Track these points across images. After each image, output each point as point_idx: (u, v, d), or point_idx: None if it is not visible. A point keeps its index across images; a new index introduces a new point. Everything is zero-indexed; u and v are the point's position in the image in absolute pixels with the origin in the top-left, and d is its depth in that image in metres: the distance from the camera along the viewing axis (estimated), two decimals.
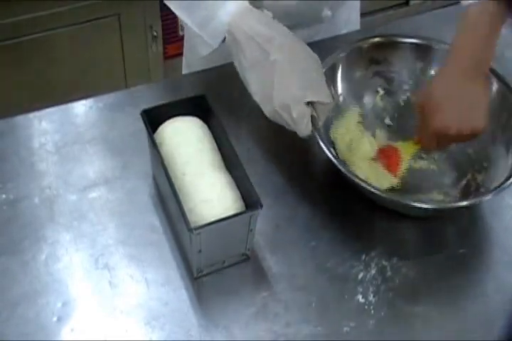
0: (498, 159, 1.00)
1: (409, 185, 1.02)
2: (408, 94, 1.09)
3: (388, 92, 1.10)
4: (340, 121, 1.05)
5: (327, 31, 1.23)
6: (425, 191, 1.03)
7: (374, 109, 1.10)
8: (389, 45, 1.08)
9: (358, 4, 1.31)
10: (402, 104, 1.10)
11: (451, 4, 1.34)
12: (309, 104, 0.90)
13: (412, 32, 1.14)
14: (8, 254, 0.93)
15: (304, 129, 0.90)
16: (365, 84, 1.09)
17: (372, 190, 0.91)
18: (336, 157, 0.94)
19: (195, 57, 1.30)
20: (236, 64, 0.95)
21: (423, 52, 1.09)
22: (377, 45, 1.08)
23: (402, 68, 1.09)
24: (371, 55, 1.08)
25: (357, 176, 0.93)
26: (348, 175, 0.92)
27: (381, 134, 1.08)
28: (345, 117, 1.06)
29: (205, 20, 0.95)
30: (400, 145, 1.03)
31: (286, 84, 0.89)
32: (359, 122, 1.07)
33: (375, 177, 0.99)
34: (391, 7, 2.40)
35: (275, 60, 0.89)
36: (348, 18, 1.29)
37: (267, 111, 0.92)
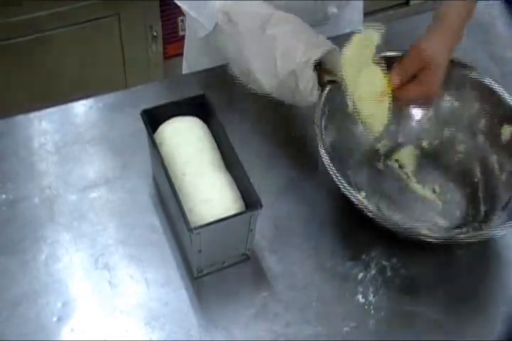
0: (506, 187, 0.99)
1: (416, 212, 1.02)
2: None
3: None
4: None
5: (331, 32, 1.23)
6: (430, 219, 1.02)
7: None
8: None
9: (361, 4, 1.32)
10: None
11: None
12: (315, 69, 0.90)
13: (411, 32, 1.13)
14: (8, 254, 0.93)
15: (310, 95, 0.91)
16: None
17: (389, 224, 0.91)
18: (341, 181, 0.91)
19: (195, 57, 1.30)
20: (228, 45, 0.95)
21: None
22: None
23: None
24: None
25: (370, 210, 0.90)
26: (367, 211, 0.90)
27: None
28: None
29: (201, 4, 0.97)
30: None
31: (290, 52, 0.89)
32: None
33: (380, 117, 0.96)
34: (391, 7, 2.40)
35: (275, 33, 0.90)
36: (351, 18, 1.29)
37: (270, 85, 0.91)
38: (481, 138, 1.03)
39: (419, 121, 1.07)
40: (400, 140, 1.08)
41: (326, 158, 0.92)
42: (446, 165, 1.06)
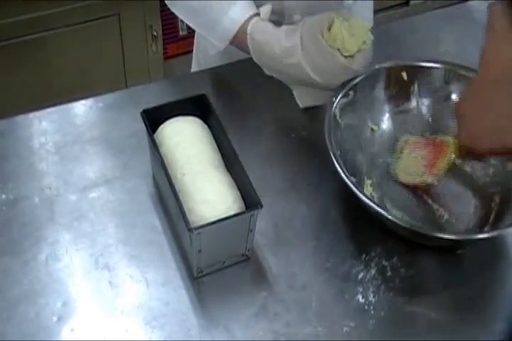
0: None
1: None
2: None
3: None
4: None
5: None
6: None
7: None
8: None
9: (371, 3, 1.32)
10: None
11: (451, 4, 1.34)
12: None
13: (412, 32, 1.14)
14: (8, 254, 0.93)
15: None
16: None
17: (391, 217, 0.90)
18: (355, 185, 0.91)
19: (206, 55, 1.31)
20: (264, 61, 1.00)
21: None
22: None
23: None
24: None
25: (373, 201, 0.90)
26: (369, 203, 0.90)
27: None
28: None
29: (211, 25, 1.01)
30: (446, 139, 0.98)
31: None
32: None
33: (412, 171, 0.98)
34: (391, 7, 2.40)
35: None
36: (363, 16, 1.29)
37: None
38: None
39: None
40: None
41: (336, 159, 0.93)
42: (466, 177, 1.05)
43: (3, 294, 0.90)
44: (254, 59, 1.01)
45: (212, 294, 0.92)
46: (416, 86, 1.04)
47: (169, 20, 1.98)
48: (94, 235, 0.96)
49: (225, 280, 0.93)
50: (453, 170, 1.02)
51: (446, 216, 1.00)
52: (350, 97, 1.00)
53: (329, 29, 0.94)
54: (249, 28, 0.99)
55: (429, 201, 1.02)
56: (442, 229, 0.98)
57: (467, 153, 0.94)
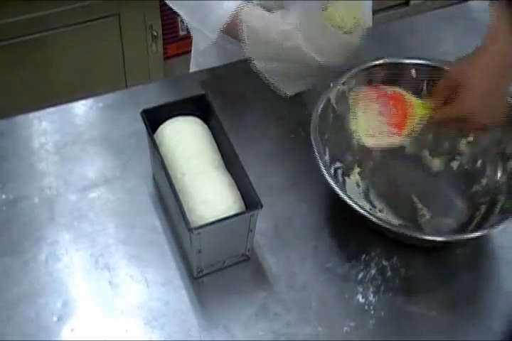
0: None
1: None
2: None
3: None
4: None
5: None
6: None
7: None
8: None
9: (370, 3, 1.32)
10: None
11: (451, 4, 1.34)
12: None
13: (412, 32, 1.13)
14: (8, 254, 0.93)
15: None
16: None
17: (385, 225, 0.90)
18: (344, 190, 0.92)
19: (206, 56, 1.31)
20: (259, 49, 0.98)
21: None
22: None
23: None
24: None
25: (364, 209, 0.90)
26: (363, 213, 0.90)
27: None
28: None
29: (205, 16, 1.00)
30: (411, 99, 0.97)
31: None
32: None
33: (375, 132, 0.96)
34: (391, 7, 2.40)
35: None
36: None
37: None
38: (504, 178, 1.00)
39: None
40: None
41: (324, 170, 0.93)
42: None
43: (3, 294, 0.90)
44: (247, 49, 0.99)
45: (212, 294, 0.92)
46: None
47: (169, 20, 1.98)
48: (94, 235, 0.96)
49: (225, 280, 0.93)
50: (448, 176, 1.03)
51: (427, 216, 1.00)
52: (346, 86, 1.00)
53: (325, 8, 0.96)
54: (242, 15, 0.98)
55: (415, 199, 1.02)
56: (420, 228, 0.99)
57: (454, 121, 0.93)
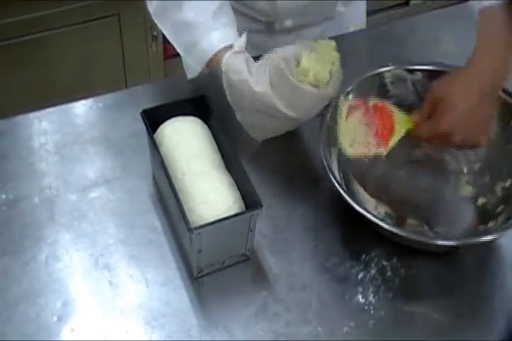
0: None
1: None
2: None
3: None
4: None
5: (334, 30, 1.24)
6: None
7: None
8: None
9: (364, 4, 1.32)
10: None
11: (451, 4, 1.34)
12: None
13: (412, 32, 1.13)
14: (8, 254, 0.94)
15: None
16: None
17: (392, 229, 0.89)
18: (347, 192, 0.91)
19: None
20: (236, 101, 0.96)
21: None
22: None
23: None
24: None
25: (369, 212, 0.90)
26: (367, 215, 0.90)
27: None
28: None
29: (190, 45, 1.00)
30: (396, 113, 0.96)
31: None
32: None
33: (359, 143, 0.95)
34: (391, 7, 2.40)
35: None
36: (356, 17, 1.30)
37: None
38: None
39: None
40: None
41: (332, 173, 0.93)
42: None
43: (3, 294, 0.90)
44: (227, 96, 0.97)
45: (212, 294, 0.92)
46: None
47: None
48: (94, 235, 0.96)
49: (225, 280, 0.93)
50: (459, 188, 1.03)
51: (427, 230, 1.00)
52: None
53: (298, 63, 0.91)
54: (223, 62, 0.95)
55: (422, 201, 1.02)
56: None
57: (434, 137, 0.92)
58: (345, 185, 0.96)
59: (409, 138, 0.96)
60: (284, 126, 0.97)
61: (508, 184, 0.98)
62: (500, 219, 0.95)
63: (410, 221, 1.00)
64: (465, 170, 1.04)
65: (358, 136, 0.95)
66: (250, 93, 0.92)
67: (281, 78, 0.90)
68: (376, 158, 0.97)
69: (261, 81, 0.91)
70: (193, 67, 1.02)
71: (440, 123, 0.91)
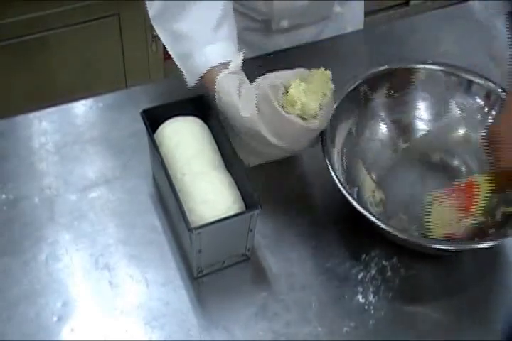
0: None
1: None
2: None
3: None
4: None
5: (332, 30, 1.24)
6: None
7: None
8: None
9: (362, 4, 1.32)
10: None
11: (451, 4, 1.34)
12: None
13: (412, 32, 1.13)
14: (8, 254, 0.94)
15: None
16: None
17: (397, 233, 0.89)
18: (354, 198, 0.91)
19: None
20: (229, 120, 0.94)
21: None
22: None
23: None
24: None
25: (373, 215, 0.89)
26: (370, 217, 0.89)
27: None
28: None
29: (184, 57, 0.97)
30: (477, 178, 0.95)
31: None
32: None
33: (447, 223, 0.94)
34: (391, 7, 2.40)
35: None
36: (353, 17, 1.29)
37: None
38: None
39: None
40: None
41: (334, 173, 0.92)
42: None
43: (3, 294, 0.90)
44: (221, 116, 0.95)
45: (212, 294, 0.92)
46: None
47: None
48: (94, 235, 0.96)
49: (225, 280, 0.93)
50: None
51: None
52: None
53: (287, 92, 0.88)
54: (216, 82, 0.92)
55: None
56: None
57: (502, 180, 0.91)
58: (347, 167, 0.96)
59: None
60: (273, 154, 0.93)
61: (509, 210, 0.95)
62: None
63: (402, 216, 1.00)
64: None
65: (446, 217, 0.95)
66: (238, 117, 0.89)
67: (268, 106, 0.87)
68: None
69: (248, 107, 0.89)
70: (187, 78, 1.00)
71: (497, 162, 0.89)
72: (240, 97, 0.90)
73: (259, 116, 0.88)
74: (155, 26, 1.02)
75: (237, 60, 0.93)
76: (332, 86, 0.89)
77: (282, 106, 0.87)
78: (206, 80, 0.95)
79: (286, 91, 0.88)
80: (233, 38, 0.98)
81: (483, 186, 0.93)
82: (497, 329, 0.92)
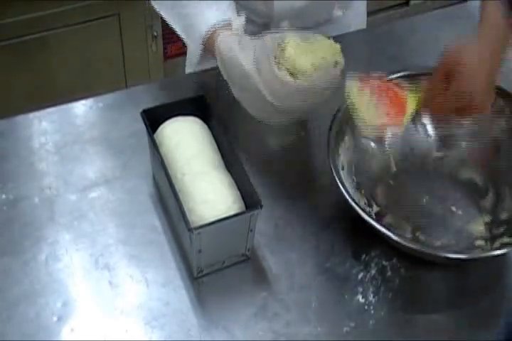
0: None
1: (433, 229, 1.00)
2: None
3: None
4: None
5: (335, 31, 1.24)
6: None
7: None
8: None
9: (364, 4, 1.32)
10: None
11: (451, 4, 1.34)
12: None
13: (412, 32, 1.13)
14: (8, 254, 0.94)
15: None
16: None
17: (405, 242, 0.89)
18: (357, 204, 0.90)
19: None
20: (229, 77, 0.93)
21: None
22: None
23: None
24: None
25: (381, 224, 0.89)
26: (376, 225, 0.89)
27: None
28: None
29: (187, 27, 0.98)
30: (403, 91, 0.94)
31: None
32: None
33: (376, 124, 0.92)
34: (391, 7, 2.40)
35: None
36: (355, 18, 1.29)
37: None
38: None
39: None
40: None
41: (337, 174, 0.92)
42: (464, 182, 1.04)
43: (3, 294, 0.90)
44: (222, 73, 0.95)
45: (212, 294, 0.92)
46: None
47: None
48: (94, 235, 0.96)
49: (225, 280, 0.93)
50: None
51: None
52: None
53: (282, 49, 0.86)
54: (217, 41, 0.93)
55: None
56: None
57: (442, 101, 0.90)
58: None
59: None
60: (272, 110, 0.90)
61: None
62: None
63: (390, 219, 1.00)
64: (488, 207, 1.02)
65: (373, 117, 0.92)
66: (240, 69, 0.89)
67: (265, 58, 0.86)
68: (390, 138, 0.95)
69: (248, 57, 0.88)
70: (193, 52, 0.99)
71: (456, 84, 0.88)
72: (241, 50, 0.89)
73: (257, 68, 0.87)
74: (156, 7, 1.04)
75: (238, 21, 0.93)
76: (342, 60, 0.87)
77: (278, 62, 0.85)
78: (210, 46, 0.94)
79: (282, 50, 0.86)
80: (233, 5, 0.98)
81: (411, 101, 0.92)
82: (496, 330, 0.92)
